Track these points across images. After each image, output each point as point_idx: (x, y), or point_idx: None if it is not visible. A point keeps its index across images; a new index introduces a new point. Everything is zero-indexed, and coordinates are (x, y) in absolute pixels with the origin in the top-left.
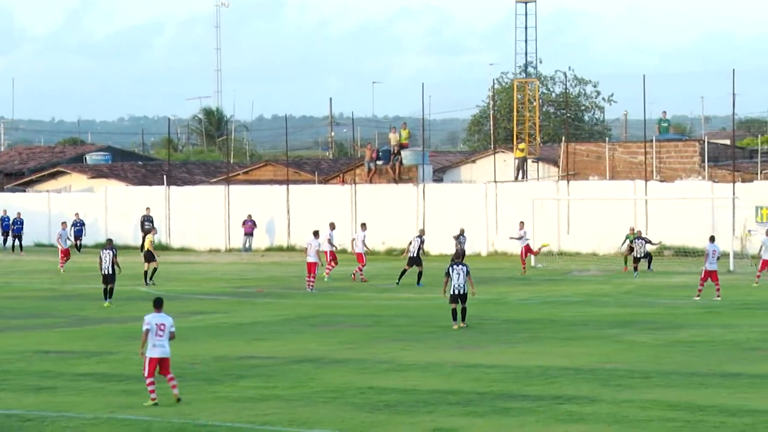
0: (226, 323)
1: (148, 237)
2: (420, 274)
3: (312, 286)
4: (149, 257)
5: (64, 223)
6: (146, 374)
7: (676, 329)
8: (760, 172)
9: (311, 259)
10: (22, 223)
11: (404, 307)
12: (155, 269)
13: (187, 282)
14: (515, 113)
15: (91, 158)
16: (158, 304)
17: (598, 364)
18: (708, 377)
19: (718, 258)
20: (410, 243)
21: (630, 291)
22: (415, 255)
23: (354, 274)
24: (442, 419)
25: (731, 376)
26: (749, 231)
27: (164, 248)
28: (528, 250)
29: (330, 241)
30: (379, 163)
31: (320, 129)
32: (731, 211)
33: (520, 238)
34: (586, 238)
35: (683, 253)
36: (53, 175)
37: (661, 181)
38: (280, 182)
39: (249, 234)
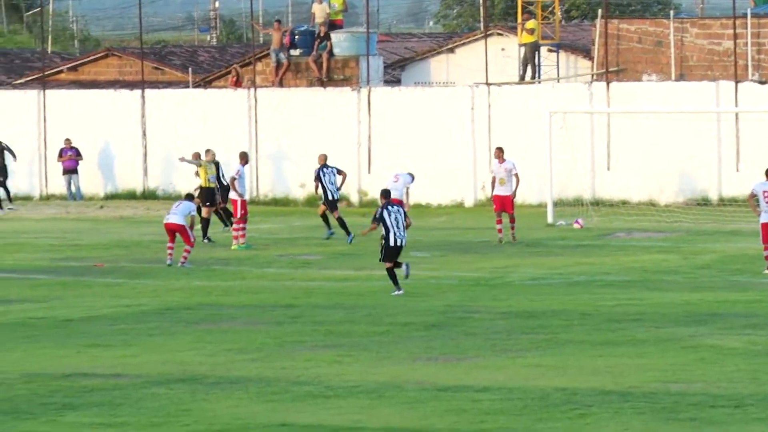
0: (43, 319)
1: (204, 168)
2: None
3: (184, 258)
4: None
5: None
6: None
7: None
8: None
9: (173, 219)
10: None
11: (337, 291)
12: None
13: None
14: None
15: None
16: None
17: (659, 384)
18: None
19: None
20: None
21: (710, 264)
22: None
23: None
24: None
25: None
26: None
27: None
28: (506, 203)
29: (240, 183)
30: (295, 53)
31: None
32: None
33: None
34: (639, 177)
35: None
36: None
37: (762, 82)
38: (129, 84)
39: (71, 171)
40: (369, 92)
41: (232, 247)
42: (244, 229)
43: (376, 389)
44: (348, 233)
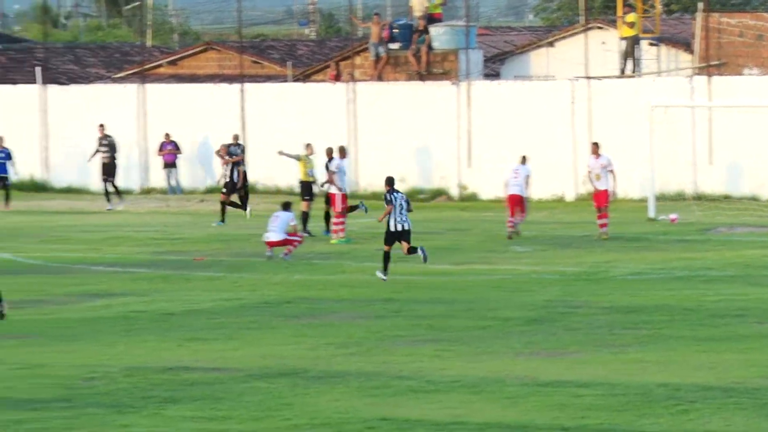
0: (144, 312)
1: (303, 162)
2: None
3: (288, 250)
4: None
5: None
6: None
7: None
8: None
9: (273, 237)
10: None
11: (437, 285)
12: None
13: (80, 244)
14: None
15: None
16: None
17: (763, 379)
18: None
19: None
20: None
21: None
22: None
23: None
24: None
25: None
26: None
27: (41, 188)
28: (600, 197)
29: (340, 177)
30: (394, 46)
31: None
32: None
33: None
34: (741, 171)
35: None
36: None
37: None
38: (229, 78)
39: (170, 165)
40: (468, 86)
41: (332, 241)
42: (343, 223)
43: (476, 384)
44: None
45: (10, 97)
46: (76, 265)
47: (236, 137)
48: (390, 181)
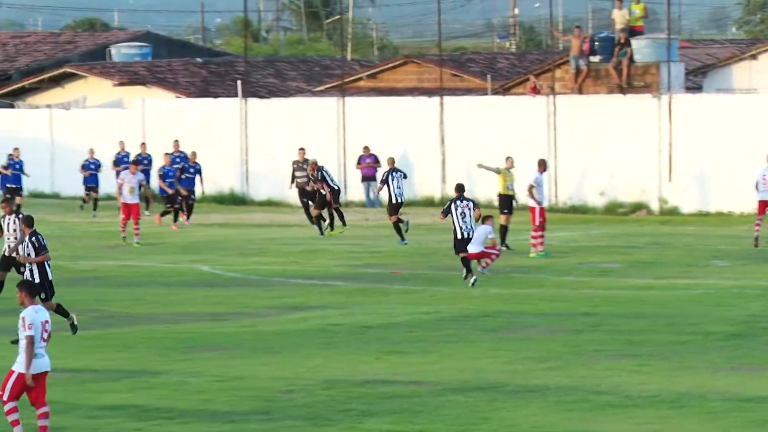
0: (342, 325)
1: (502, 175)
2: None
3: (486, 264)
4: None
5: (133, 164)
6: (6, 397)
7: None
8: None
9: (473, 249)
10: (21, 166)
11: (637, 299)
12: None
13: (279, 257)
14: None
15: (120, 52)
16: (32, 289)
17: None
18: None
19: None
20: None
21: None
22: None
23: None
24: None
25: None
26: None
27: (240, 201)
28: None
29: (538, 190)
30: (595, 59)
31: (496, 4)
32: None
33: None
34: None
35: None
36: (57, 80)
37: None
38: (428, 91)
39: (369, 178)
40: (670, 99)
41: (531, 255)
42: (542, 236)
43: (676, 399)
44: (402, 238)
45: (211, 111)
46: (275, 277)
47: (315, 163)
48: (458, 188)
